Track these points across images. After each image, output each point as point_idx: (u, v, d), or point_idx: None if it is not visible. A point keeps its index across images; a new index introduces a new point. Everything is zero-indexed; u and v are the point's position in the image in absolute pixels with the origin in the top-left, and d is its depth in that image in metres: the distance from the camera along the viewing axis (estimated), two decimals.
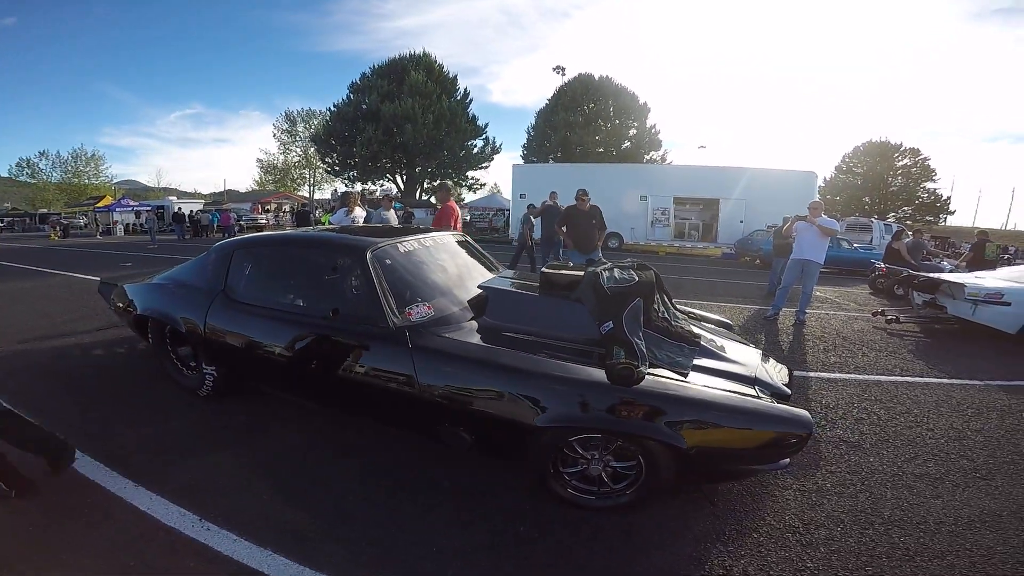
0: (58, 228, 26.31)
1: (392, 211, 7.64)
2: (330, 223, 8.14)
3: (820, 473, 2.64)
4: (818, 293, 8.95)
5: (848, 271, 12.72)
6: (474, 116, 33.87)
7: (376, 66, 32.26)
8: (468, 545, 2.03)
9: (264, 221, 28.42)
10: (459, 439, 2.31)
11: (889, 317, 6.29)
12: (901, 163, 42.10)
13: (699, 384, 2.22)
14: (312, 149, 38.10)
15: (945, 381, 4.21)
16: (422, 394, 2.28)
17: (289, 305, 2.85)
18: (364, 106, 30.31)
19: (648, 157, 34.88)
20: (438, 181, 35.67)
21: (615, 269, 2.75)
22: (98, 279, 4.75)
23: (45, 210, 40.34)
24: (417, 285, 2.78)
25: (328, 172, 37.43)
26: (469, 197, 35.95)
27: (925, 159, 41.58)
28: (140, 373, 3.74)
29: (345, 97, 32.09)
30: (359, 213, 6.84)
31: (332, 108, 32.70)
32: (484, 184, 38.81)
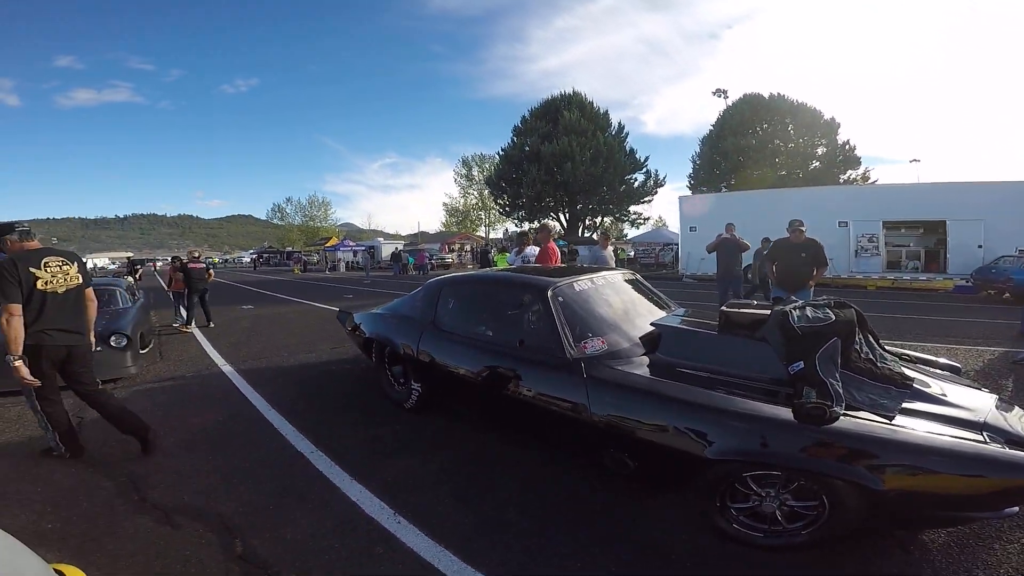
0: (300, 264, 33.48)
1: (610, 249, 7.80)
2: (508, 263, 8.78)
3: None
4: None
5: None
6: (632, 150, 33.83)
7: (532, 108, 34.35)
8: (609, 564, 2.05)
9: (450, 260, 31.95)
10: (622, 464, 2.37)
11: None
12: None
13: (907, 427, 1.95)
14: (487, 191, 41.78)
15: None
16: (592, 421, 2.41)
17: (483, 335, 3.27)
18: (527, 148, 32.39)
19: (844, 177, 30.49)
20: (600, 218, 36.24)
21: (808, 308, 2.54)
22: (333, 308, 6.02)
23: (290, 248, 51.55)
24: (591, 321, 2.95)
25: (500, 213, 40.69)
26: (631, 232, 35.59)
27: None
28: (361, 386, 4.58)
29: (510, 141, 34.74)
30: (531, 251, 7.04)
31: (500, 152, 35.70)
32: (648, 219, 38.09)
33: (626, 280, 3.72)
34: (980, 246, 14.37)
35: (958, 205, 15.06)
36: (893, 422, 1.99)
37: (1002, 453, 1.82)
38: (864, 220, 16.33)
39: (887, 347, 2.79)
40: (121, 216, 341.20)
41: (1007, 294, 10.83)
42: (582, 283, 3.19)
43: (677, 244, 21.90)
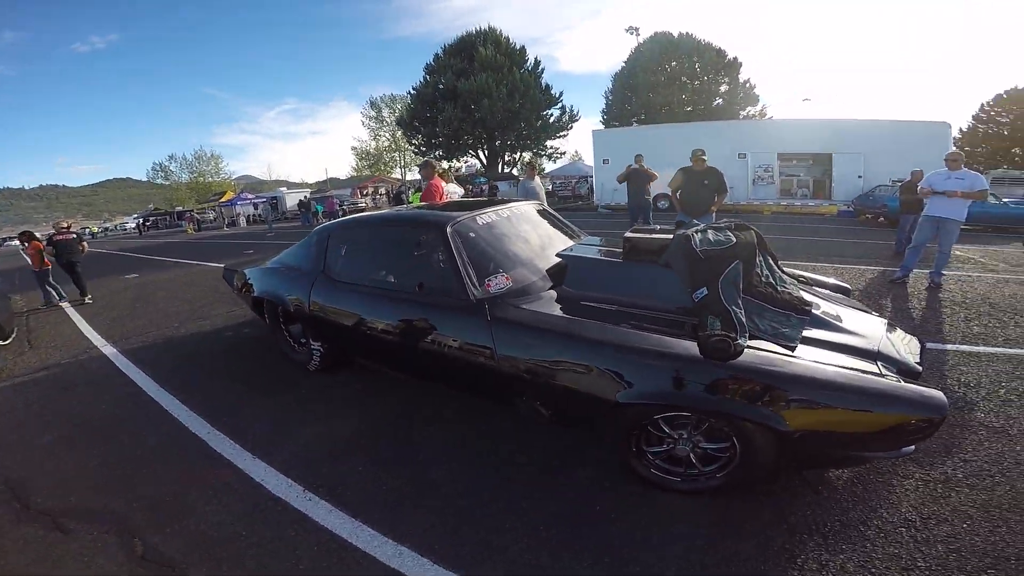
0: (193, 223, 30.19)
1: (538, 180, 7.66)
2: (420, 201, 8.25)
3: (952, 461, 2.27)
4: (959, 252, 7.74)
5: (997, 228, 10.84)
6: (548, 85, 33.28)
7: (446, 46, 32.72)
8: (543, 519, 2.02)
9: (364, 204, 30.25)
10: (536, 412, 2.28)
11: None
12: None
13: (809, 359, 1.93)
14: (399, 133, 39.59)
15: None
16: (500, 366, 2.26)
17: (379, 282, 2.96)
18: (441, 86, 30.96)
19: (745, 113, 32.16)
20: (519, 153, 35.81)
21: (709, 231, 2.48)
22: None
23: (181, 208, 46.26)
24: (496, 257, 2.75)
25: (415, 153, 38.90)
26: (550, 167, 35.58)
27: None
28: (261, 351, 4.16)
29: (423, 79, 32.88)
30: (453, 189, 6.80)
31: (412, 91, 33.63)
32: (564, 153, 38.20)
33: (533, 211, 3.50)
34: (860, 176, 16.07)
35: (842, 140, 16.58)
36: (795, 352, 1.98)
37: (890, 385, 1.82)
38: (761, 152, 17.55)
39: (785, 269, 2.82)
40: None
41: (882, 218, 12.32)
42: (484, 217, 2.95)
43: (592, 177, 22.18)
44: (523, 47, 32.98)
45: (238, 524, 2.09)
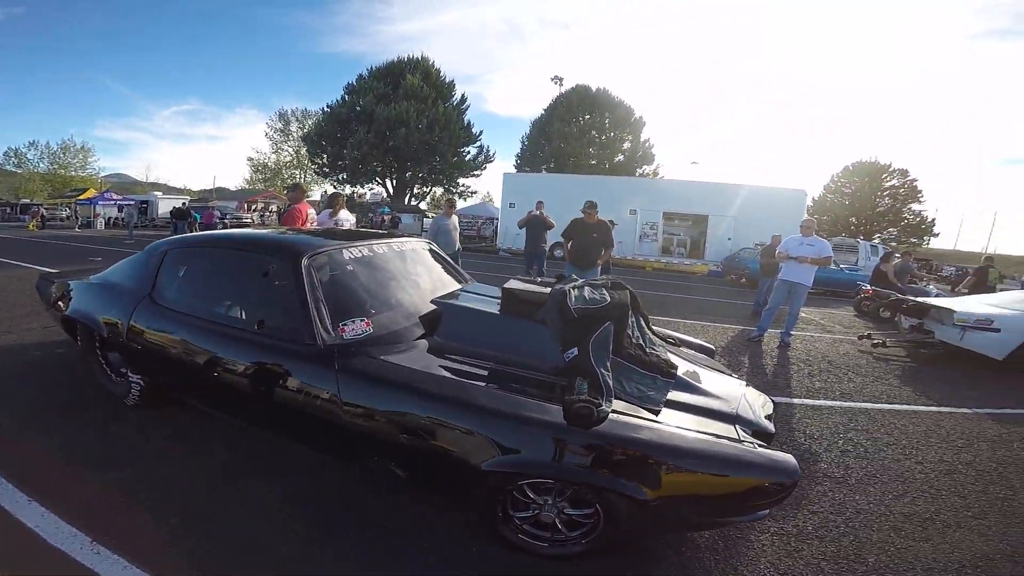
0: (38, 219, 25.63)
1: (455, 219, 7.30)
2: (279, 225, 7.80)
3: (801, 514, 2.44)
4: (803, 315, 8.84)
5: (833, 292, 12.70)
6: (469, 123, 33.86)
7: (373, 68, 32.15)
8: None
9: (249, 220, 27.93)
10: (391, 473, 2.09)
11: (876, 341, 6.18)
12: (889, 183, 42.27)
13: (671, 424, 1.95)
14: (303, 149, 37.71)
15: (934, 409, 4.06)
16: (348, 423, 2.02)
17: (215, 313, 2.59)
18: (359, 108, 30.11)
19: (641, 171, 35.05)
20: (429, 187, 35.69)
21: (587, 288, 2.50)
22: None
23: (28, 200, 39.52)
24: (361, 297, 2.51)
25: (317, 173, 37.16)
26: (460, 204, 35.83)
27: (913, 180, 41.83)
28: (72, 378, 3.45)
29: (340, 98, 31.90)
30: (344, 216, 6.39)
31: (326, 108, 32.45)
32: (475, 192, 38.77)
33: (423, 250, 3.30)
34: (729, 238, 18.02)
35: (718, 203, 18.59)
36: (659, 416, 1.99)
37: (747, 452, 1.87)
38: (650, 210, 19.16)
39: (654, 329, 2.89)
40: None
41: (743, 279, 13.74)
42: (355, 251, 2.67)
43: (498, 219, 22.68)
44: (452, 81, 33.43)
45: None
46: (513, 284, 2.68)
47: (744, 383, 2.63)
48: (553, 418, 1.82)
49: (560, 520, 1.96)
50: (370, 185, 35.48)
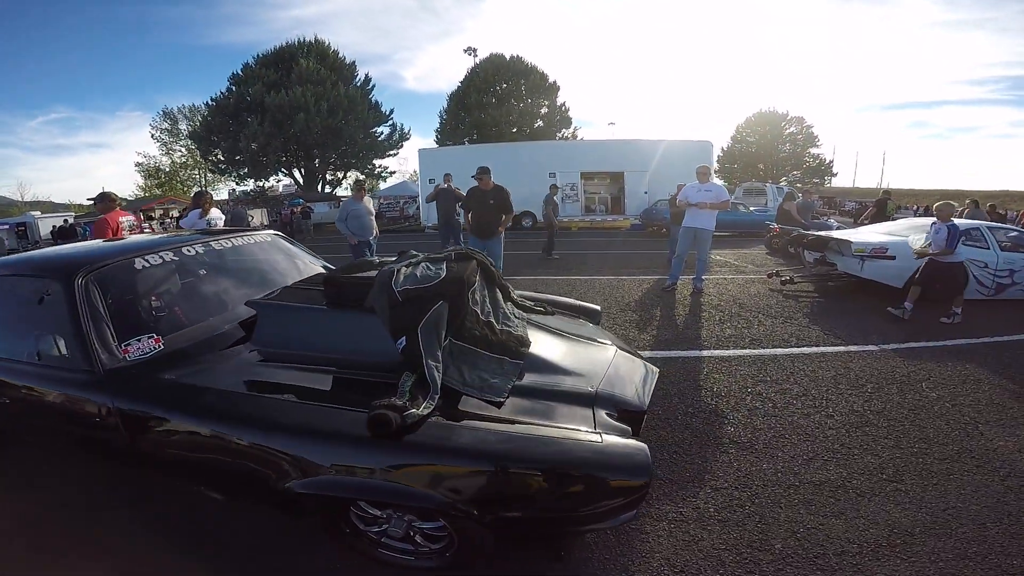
0: None
1: (368, 201, 6.61)
2: (185, 227, 6.92)
3: (704, 492, 2.10)
4: (718, 257, 8.81)
5: (746, 234, 12.92)
6: (378, 103, 32.00)
7: (260, 55, 29.42)
8: None
9: (149, 229, 25.02)
10: (209, 498, 1.93)
11: (784, 278, 6.09)
12: (788, 131, 44.42)
13: (513, 415, 1.73)
14: (194, 146, 34.16)
15: (841, 349, 3.87)
16: (144, 451, 1.86)
17: None
18: (248, 98, 27.51)
19: (560, 135, 34.77)
20: (343, 173, 33.59)
21: (422, 264, 2.24)
22: None
23: None
24: (156, 311, 2.26)
25: (213, 171, 33.93)
26: (382, 186, 34.09)
27: (809, 126, 44.25)
28: None
29: (225, 89, 29.02)
30: (215, 215, 6.00)
31: (210, 102, 29.41)
32: (394, 172, 36.97)
33: (259, 242, 2.98)
34: (646, 192, 18.07)
35: (631, 159, 18.53)
36: (503, 408, 1.76)
37: (591, 450, 1.57)
38: (568, 171, 18.75)
39: (526, 295, 2.81)
40: None
41: (665, 230, 13.70)
42: (153, 258, 2.37)
43: (418, 196, 21.72)
44: (353, 62, 31.23)
45: None
46: (338, 272, 2.40)
47: (615, 351, 2.33)
48: (357, 430, 1.58)
49: (417, 533, 1.73)
50: (276, 177, 32.97)
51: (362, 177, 31.85)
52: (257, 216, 23.83)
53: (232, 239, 2.87)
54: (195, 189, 28.93)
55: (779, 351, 3.81)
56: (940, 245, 4.53)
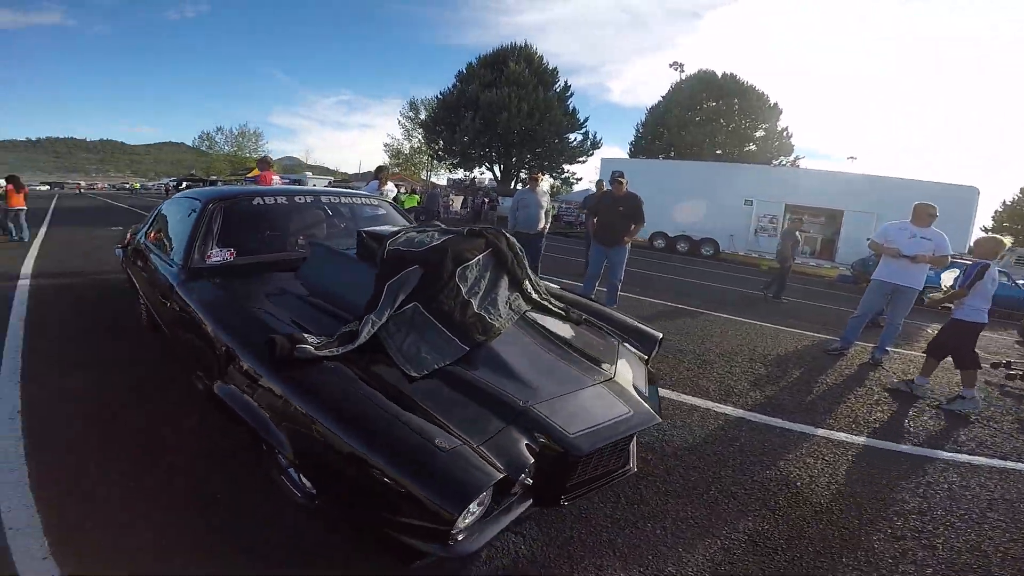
0: None
1: (544, 191, 6.45)
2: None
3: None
4: (919, 326, 6.78)
5: (1005, 314, 9.55)
6: (574, 109, 32.99)
7: (481, 56, 32.82)
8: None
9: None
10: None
11: (1015, 371, 4.41)
12: None
13: (410, 392, 1.70)
14: (422, 135, 39.63)
15: None
16: (185, 334, 2.32)
17: (162, 245, 3.10)
18: (467, 94, 30.82)
19: (777, 162, 31.07)
20: (535, 174, 35.25)
21: (430, 232, 2.41)
22: None
23: (215, 177, 47.66)
24: (245, 235, 2.88)
25: (432, 158, 38.83)
26: (569, 192, 34.94)
27: None
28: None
29: (451, 85, 32.93)
30: (390, 187, 7.12)
31: (439, 96, 33.70)
32: (580, 179, 37.42)
33: (359, 203, 3.58)
34: (869, 239, 14.73)
35: (858, 196, 15.44)
36: (413, 384, 1.75)
37: (441, 467, 1.39)
38: (769, 201, 16.50)
39: (557, 296, 2.74)
40: (33, 139, 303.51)
41: None
42: (268, 199, 3.07)
43: None
44: (555, 68, 32.80)
45: None
46: (367, 231, 2.54)
47: (604, 379, 2.02)
48: (258, 352, 1.75)
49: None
50: (480, 170, 36.25)
51: (530, 174, 32.99)
52: (457, 203, 27.43)
53: (344, 199, 3.51)
54: (391, 168, 33.55)
55: (949, 455, 2.70)
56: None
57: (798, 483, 2.31)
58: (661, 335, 2.74)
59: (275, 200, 3.06)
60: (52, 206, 17.72)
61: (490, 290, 2.28)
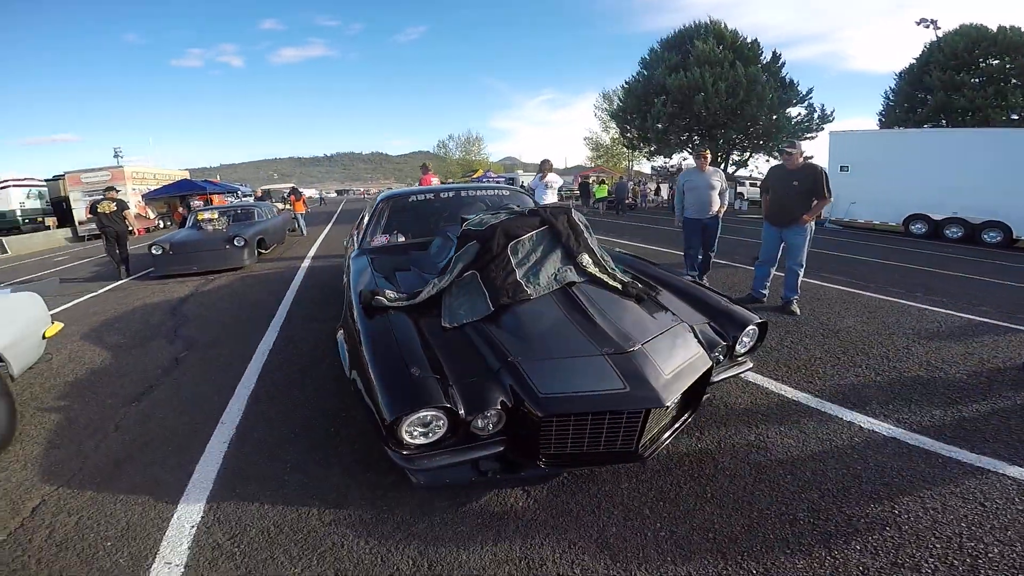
0: None
1: (713, 173, 5.55)
2: (528, 186, 9.00)
3: None
4: None
5: None
6: (791, 82, 28.56)
7: (662, 39, 31.15)
8: None
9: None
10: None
11: None
12: None
13: (437, 341, 2.14)
14: (614, 125, 39.21)
15: None
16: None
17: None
18: (654, 80, 29.53)
19: None
20: (749, 154, 31.62)
21: (502, 214, 2.91)
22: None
23: (451, 180, 55.70)
24: (405, 223, 3.90)
25: (627, 147, 38.08)
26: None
27: None
28: None
29: (635, 73, 32.04)
30: (552, 178, 7.34)
31: (624, 85, 33.04)
32: (812, 157, 31.70)
33: (493, 194, 4.38)
34: None
35: None
36: (445, 333, 2.18)
37: (399, 383, 1.80)
38: None
39: (626, 270, 2.85)
40: (328, 155, 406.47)
41: None
42: (421, 196, 4.20)
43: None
44: (755, 41, 28.85)
45: None
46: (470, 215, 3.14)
47: (623, 352, 1.99)
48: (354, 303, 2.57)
49: None
50: (682, 155, 34.12)
51: (705, 149, 29.16)
52: (663, 190, 28.77)
53: (479, 191, 4.44)
54: (662, 166, 34.66)
55: None
56: None
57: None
58: (759, 319, 2.51)
59: (426, 197, 4.17)
60: (339, 208, 24.09)
61: (540, 262, 2.50)
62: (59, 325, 3.35)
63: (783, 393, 2.97)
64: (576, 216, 2.78)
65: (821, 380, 3.16)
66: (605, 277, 2.54)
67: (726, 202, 5.57)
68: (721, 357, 2.38)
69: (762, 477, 2.14)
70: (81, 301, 6.56)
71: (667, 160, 34.51)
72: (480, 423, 1.80)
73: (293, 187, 16.12)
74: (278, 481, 2.22)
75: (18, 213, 20.39)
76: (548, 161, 7.59)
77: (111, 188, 9.05)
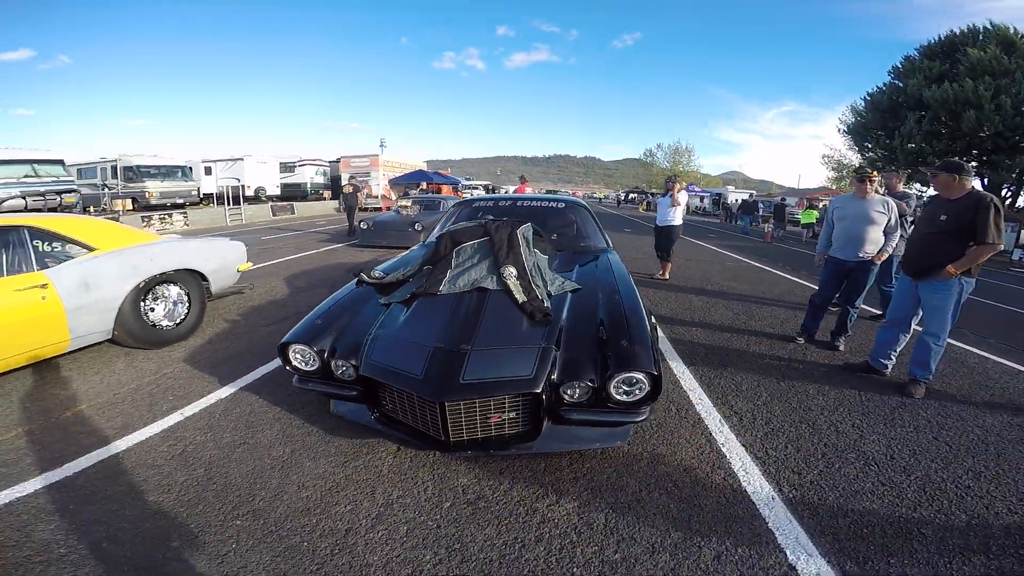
0: (644, 203, 36.49)
1: (881, 199, 4.22)
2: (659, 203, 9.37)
3: None
4: None
5: None
6: None
7: (922, 46, 25.18)
8: None
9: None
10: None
11: None
12: None
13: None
14: (849, 142, 33.41)
15: None
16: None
17: None
18: (906, 92, 24.46)
19: None
20: (869, 173, 23.43)
21: (473, 223, 3.56)
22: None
23: (655, 191, 54.89)
24: (469, 222, 4.00)
25: (869, 167, 31.88)
26: None
27: None
28: None
29: (882, 84, 26.82)
30: (681, 196, 7.64)
31: (866, 97, 27.88)
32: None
33: (550, 206, 4.91)
34: None
35: None
36: (392, 303, 2.79)
37: (313, 322, 2.62)
38: None
39: (528, 284, 2.80)
40: (547, 156, 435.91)
41: None
42: (485, 203, 4.92)
43: None
44: None
45: None
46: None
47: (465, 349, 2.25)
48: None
49: None
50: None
51: (886, 170, 21.39)
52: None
53: (532, 202, 4.91)
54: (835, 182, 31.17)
55: None
56: None
57: None
58: (643, 372, 2.14)
59: (489, 204, 4.84)
60: None
61: (471, 267, 2.93)
62: (249, 264, 4.91)
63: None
64: (521, 233, 3.11)
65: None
66: (515, 290, 2.68)
67: (892, 244, 4.12)
68: (579, 393, 2.16)
69: None
70: (303, 255, 9.27)
71: (921, 187, 28.16)
72: (340, 370, 2.32)
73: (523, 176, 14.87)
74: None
75: (308, 186, 26.89)
76: (675, 179, 7.59)
77: (352, 177, 13.41)
